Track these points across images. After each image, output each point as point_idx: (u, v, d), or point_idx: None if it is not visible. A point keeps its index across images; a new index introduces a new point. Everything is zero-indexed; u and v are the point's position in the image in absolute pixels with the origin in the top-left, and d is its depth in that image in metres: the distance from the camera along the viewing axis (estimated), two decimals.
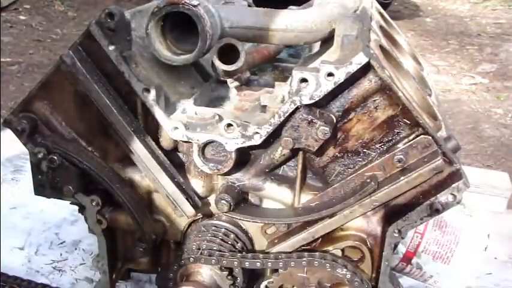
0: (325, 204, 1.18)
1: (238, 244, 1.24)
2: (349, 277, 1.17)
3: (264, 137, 1.13)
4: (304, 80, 1.07)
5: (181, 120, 1.16)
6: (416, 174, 1.11)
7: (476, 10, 7.69)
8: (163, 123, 1.16)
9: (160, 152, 1.21)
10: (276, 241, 1.23)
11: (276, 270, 1.23)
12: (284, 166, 1.23)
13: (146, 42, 1.21)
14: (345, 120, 1.14)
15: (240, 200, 1.22)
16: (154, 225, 1.30)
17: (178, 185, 1.20)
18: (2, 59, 4.39)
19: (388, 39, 1.45)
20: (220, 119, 1.17)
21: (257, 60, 1.45)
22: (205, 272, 1.22)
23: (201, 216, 1.28)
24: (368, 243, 1.20)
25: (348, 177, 1.18)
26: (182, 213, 1.22)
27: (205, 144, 1.17)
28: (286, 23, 1.28)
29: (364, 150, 1.16)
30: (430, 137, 1.11)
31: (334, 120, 1.12)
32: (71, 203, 1.39)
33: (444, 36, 6.25)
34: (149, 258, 1.39)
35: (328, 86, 1.07)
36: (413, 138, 1.12)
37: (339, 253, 1.21)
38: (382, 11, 1.71)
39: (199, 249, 1.20)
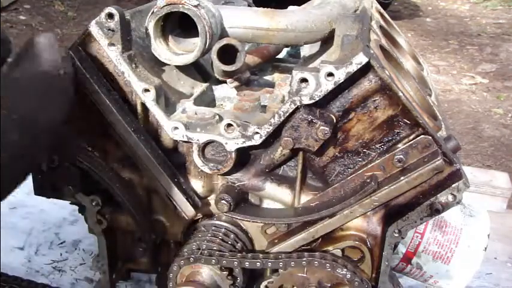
0: (325, 204, 1.18)
1: (238, 244, 1.24)
2: (349, 277, 1.17)
3: (264, 137, 1.13)
4: (304, 80, 1.07)
5: (181, 120, 1.16)
6: (416, 174, 1.11)
7: (476, 10, 7.69)
8: (163, 123, 1.16)
9: (160, 152, 1.21)
10: (276, 241, 1.23)
11: (276, 270, 1.23)
12: (284, 166, 1.23)
13: (146, 42, 1.21)
14: (345, 120, 1.14)
15: (240, 200, 1.22)
16: (154, 225, 1.30)
17: (178, 185, 1.20)
18: None
19: (388, 39, 1.45)
20: (220, 119, 1.17)
21: (257, 60, 1.45)
22: (205, 272, 1.22)
23: (201, 216, 1.28)
24: (368, 243, 1.20)
25: (348, 177, 1.18)
26: (182, 213, 1.22)
27: (205, 144, 1.17)
28: (286, 23, 1.28)
29: (364, 150, 1.16)
30: (430, 137, 1.11)
31: (334, 120, 1.12)
32: (71, 203, 1.39)
33: (444, 36, 6.26)
34: (149, 258, 1.39)
35: (328, 86, 1.07)
36: (413, 138, 1.13)
37: (339, 253, 1.21)
38: (382, 11, 1.71)
39: (199, 249, 1.20)
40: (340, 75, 1.06)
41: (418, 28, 6.60)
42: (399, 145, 1.14)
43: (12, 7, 5.66)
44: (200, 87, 1.35)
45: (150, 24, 1.16)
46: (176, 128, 1.15)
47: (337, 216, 1.17)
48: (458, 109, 4.20)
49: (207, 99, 1.34)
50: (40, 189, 1.33)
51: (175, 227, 1.31)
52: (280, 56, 1.66)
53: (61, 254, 1.85)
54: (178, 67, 1.26)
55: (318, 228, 1.19)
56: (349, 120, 1.14)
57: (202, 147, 1.17)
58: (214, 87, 1.38)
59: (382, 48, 1.22)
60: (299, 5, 1.60)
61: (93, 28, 1.14)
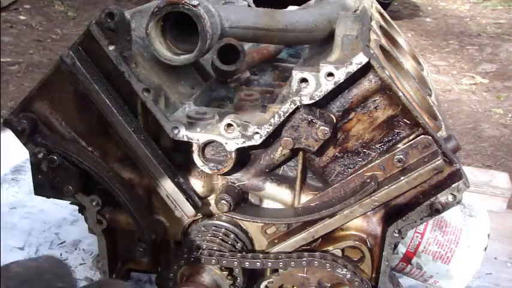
0: (325, 204, 1.18)
1: (238, 244, 1.24)
2: (349, 277, 1.17)
3: (264, 137, 1.13)
4: (304, 80, 1.07)
5: (181, 120, 1.16)
6: (417, 174, 1.11)
7: (476, 10, 7.69)
8: (163, 123, 1.16)
9: (160, 152, 1.21)
10: (276, 241, 1.23)
11: (276, 270, 1.23)
12: (284, 166, 1.23)
13: (146, 42, 1.21)
14: (345, 120, 1.14)
15: (240, 200, 1.22)
16: (154, 225, 1.30)
17: (178, 185, 1.20)
18: (2, 59, 4.39)
19: (388, 39, 1.45)
20: (220, 119, 1.17)
21: (257, 60, 1.45)
22: (205, 272, 1.22)
23: (201, 216, 1.28)
24: (368, 243, 1.20)
25: (348, 177, 1.18)
26: (182, 213, 1.22)
27: (205, 144, 1.17)
28: (286, 23, 1.28)
29: (364, 150, 1.16)
30: (430, 137, 1.11)
31: (334, 120, 1.12)
32: (71, 203, 1.39)
33: (444, 36, 6.26)
34: (149, 258, 1.39)
35: (328, 86, 1.07)
36: (413, 138, 1.13)
37: (339, 253, 1.21)
38: (382, 11, 1.72)
39: (199, 249, 1.20)
40: (340, 75, 1.06)
41: (418, 28, 6.60)
42: (399, 145, 1.14)
43: (12, 7, 5.66)
44: (200, 87, 1.35)
45: (150, 24, 1.16)
46: (176, 128, 1.15)
47: (337, 216, 1.17)
48: (458, 109, 4.21)
49: (207, 99, 1.34)
50: (40, 189, 1.33)
51: (175, 227, 1.31)
52: (280, 56, 1.67)
53: (61, 254, 1.84)
54: (178, 67, 1.26)
55: (318, 228, 1.19)
56: (349, 120, 1.14)
57: (202, 147, 1.17)
58: (214, 87, 1.38)
59: (382, 48, 1.22)
60: (299, 5, 1.60)
61: (93, 28, 1.14)
